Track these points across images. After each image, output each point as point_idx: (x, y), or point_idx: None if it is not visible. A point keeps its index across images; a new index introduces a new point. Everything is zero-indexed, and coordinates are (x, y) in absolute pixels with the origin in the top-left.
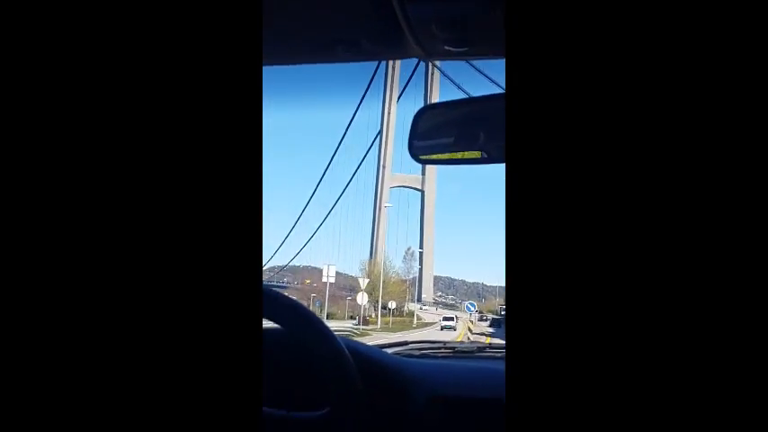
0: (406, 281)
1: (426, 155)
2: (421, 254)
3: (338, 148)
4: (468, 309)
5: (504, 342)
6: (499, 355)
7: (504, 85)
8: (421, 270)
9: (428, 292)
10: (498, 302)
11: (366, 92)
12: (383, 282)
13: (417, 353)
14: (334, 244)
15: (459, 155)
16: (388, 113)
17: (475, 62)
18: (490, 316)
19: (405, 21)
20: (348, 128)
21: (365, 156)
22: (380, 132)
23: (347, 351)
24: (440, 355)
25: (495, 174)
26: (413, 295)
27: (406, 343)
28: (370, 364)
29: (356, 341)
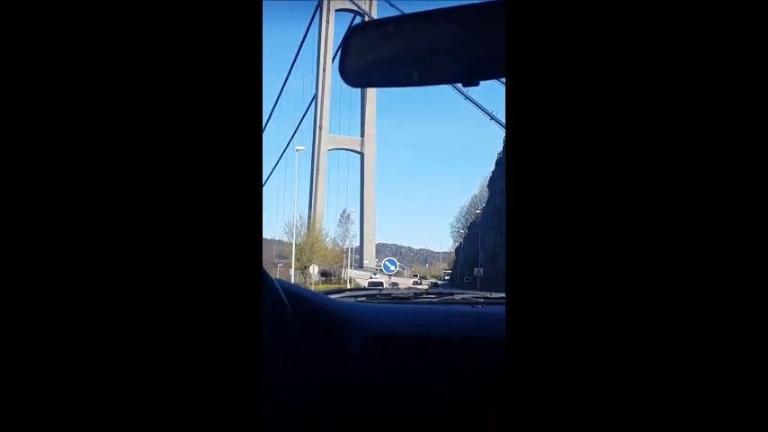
0: (342, 246)
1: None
2: (362, 218)
3: (271, 113)
4: (386, 268)
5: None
6: (435, 300)
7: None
8: (362, 235)
9: (370, 258)
10: (442, 267)
11: (298, 53)
12: (318, 247)
13: (353, 300)
14: (273, 210)
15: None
16: (324, 71)
17: None
18: (431, 280)
19: None
20: (281, 91)
21: (301, 120)
22: (315, 94)
23: (282, 291)
24: (375, 301)
25: (445, 139)
26: (354, 261)
27: (342, 290)
28: (306, 304)
29: (291, 283)
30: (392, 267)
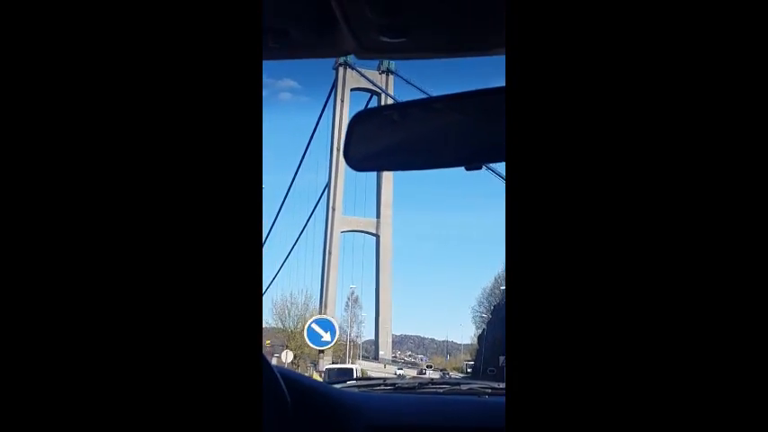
0: (347, 333)
1: (369, 164)
2: (377, 306)
3: (282, 204)
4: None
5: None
6: (441, 390)
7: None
8: (377, 324)
9: (386, 348)
10: (464, 359)
11: (312, 137)
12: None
13: (357, 390)
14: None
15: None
16: (338, 150)
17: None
18: (451, 373)
19: (337, 6)
20: (297, 171)
21: (315, 206)
22: (329, 174)
23: (281, 379)
24: (379, 390)
25: (463, 225)
26: (365, 351)
27: (345, 380)
28: (306, 392)
29: (293, 371)
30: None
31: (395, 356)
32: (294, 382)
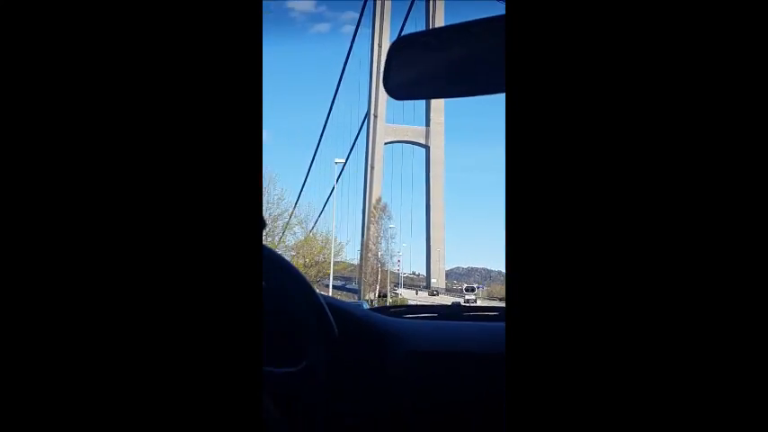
0: (375, 254)
1: (408, 92)
2: (428, 227)
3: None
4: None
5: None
6: (486, 316)
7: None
8: (428, 247)
9: (439, 276)
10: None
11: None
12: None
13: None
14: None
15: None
16: (379, 47)
17: None
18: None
19: None
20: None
21: (359, 132)
22: (370, 75)
23: (326, 306)
24: (423, 316)
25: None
26: (408, 280)
27: (387, 308)
28: (350, 319)
29: (338, 299)
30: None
31: (448, 287)
32: (339, 311)
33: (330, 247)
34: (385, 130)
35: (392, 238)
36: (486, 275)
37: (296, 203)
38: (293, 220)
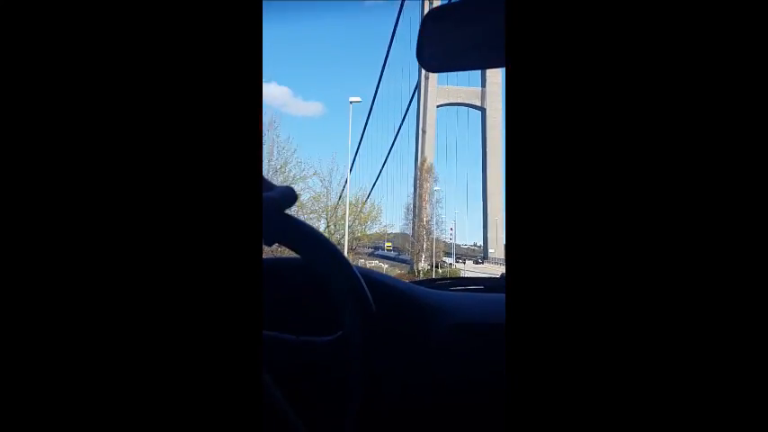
0: (421, 219)
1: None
2: (484, 194)
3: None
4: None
5: None
6: None
7: None
8: (485, 216)
9: (497, 246)
10: None
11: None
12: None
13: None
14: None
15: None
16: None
17: None
18: None
19: None
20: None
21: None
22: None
23: (362, 278)
24: (469, 289)
25: None
26: (458, 250)
27: (433, 280)
28: (389, 291)
29: (373, 270)
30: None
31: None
32: (379, 284)
33: (364, 213)
34: (438, 92)
35: (438, 202)
36: None
37: (350, 170)
38: (309, 171)
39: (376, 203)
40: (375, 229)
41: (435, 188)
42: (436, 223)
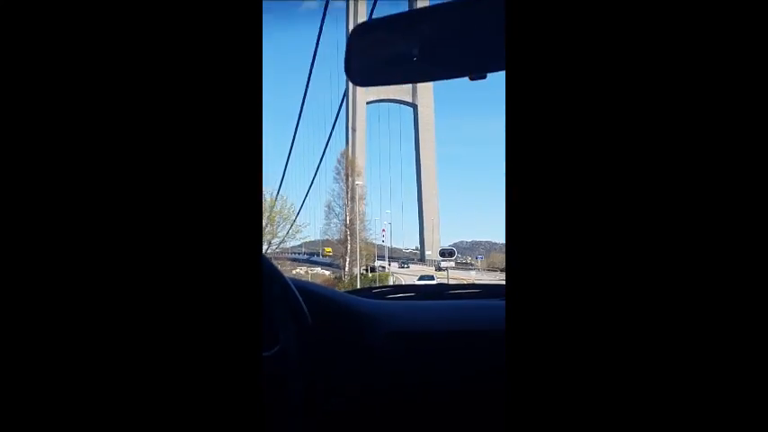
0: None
1: (371, 77)
2: (420, 197)
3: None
4: None
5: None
6: (466, 293)
7: None
8: (421, 218)
9: (433, 249)
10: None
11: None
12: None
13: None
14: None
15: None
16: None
17: None
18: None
19: None
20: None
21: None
22: (346, 24)
23: (296, 290)
24: (402, 297)
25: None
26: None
27: (370, 289)
28: (323, 302)
29: (309, 282)
30: None
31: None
32: (314, 295)
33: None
34: (367, 88)
35: (361, 198)
36: (490, 248)
37: (278, 191)
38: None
39: (287, 200)
40: (287, 230)
41: (357, 182)
42: (362, 223)
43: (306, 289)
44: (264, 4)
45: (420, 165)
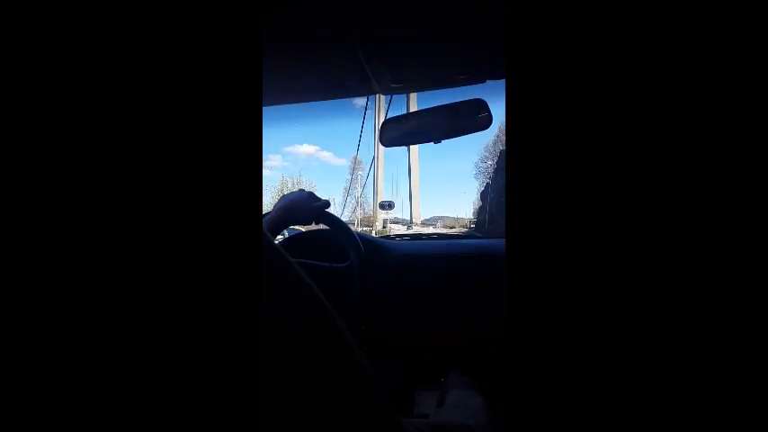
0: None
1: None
2: (410, 168)
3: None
4: None
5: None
6: (448, 236)
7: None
8: (411, 197)
9: (417, 219)
10: (469, 220)
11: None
12: None
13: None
14: None
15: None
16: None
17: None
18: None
19: (370, 70)
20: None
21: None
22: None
23: (356, 235)
24: (405, 239)
25: None
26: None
27: (388, 236)
28: (369, 240)
29: (359, 232)
30: None
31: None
32: (363, 237)
33: None
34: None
35: (379, 194)
36: (454, 222)
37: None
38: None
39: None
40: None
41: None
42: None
43: (360, 235)
44: (332, 102)
45: (410, 157)
